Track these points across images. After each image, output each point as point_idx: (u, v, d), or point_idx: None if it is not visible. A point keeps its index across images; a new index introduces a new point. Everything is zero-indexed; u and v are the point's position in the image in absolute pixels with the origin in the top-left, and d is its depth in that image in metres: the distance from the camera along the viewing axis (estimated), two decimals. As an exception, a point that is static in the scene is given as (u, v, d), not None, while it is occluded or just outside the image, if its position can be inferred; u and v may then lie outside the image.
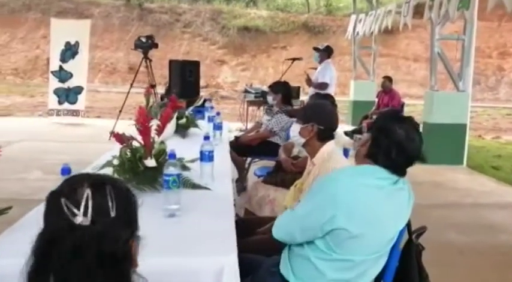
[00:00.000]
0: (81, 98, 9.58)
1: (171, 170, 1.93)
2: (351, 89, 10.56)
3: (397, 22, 7.77)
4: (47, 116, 9.66)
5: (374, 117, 8.11)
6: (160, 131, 2.49)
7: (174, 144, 3.16)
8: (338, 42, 16.77)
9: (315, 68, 7.12)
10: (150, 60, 7.96)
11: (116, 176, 2.39)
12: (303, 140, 2.49)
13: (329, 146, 2.44)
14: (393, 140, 1.69)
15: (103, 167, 2.46)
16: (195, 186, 2.36)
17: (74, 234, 0.96)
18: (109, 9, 19.07)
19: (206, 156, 2.45)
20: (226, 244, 1.71)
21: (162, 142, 2.44)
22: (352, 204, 1.62)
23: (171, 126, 2.49)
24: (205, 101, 4.97)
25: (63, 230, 0.96)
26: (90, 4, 19.09)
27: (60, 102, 9.52)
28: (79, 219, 0.96)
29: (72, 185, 1.02)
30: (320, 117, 2.44)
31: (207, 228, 1.89)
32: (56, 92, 9.54)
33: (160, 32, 18.37)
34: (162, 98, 5.92)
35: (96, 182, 1.02)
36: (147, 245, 1.68)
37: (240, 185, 4.79)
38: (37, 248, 0.99)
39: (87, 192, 0.98)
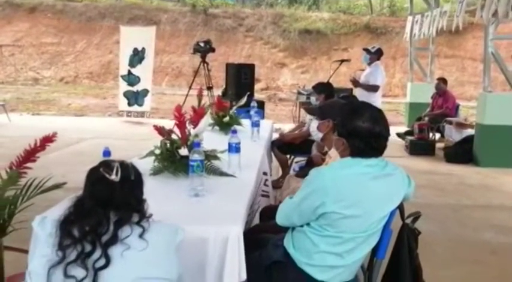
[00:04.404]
0: (147, 100, 10.30)
1: (195, 156, 2.26)
2: (408, 91, 10.53)
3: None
4: (116, 117, 10.47)
5: (426, 119, 8.08)
6: (195, 125, 2.85)
7: (215, 138, 3.53)
8: (401, 43, 16.57)
9: (363, 70, 7.22)
10: (207, 64, 8.43)
11: (156, 163, 2.77)
12: (321, 135, 2.74)
13: None
14: (366, 135, 1.89)
15: (146, 156, 2.85)
16: (222, 173, 2.69)
17: (109, 184, 1.50)
18: (176, 15, 19.96)
19: (233, 148, 2.77)
20: (232, 218, 2.02)
21: (196, 135, 2.79)
22: (339, 191, 1.86)
23: (204, 121, 2.83)
24: (251, 100, 5.27)
25: (101, 183, 1.51)
26: (158, 11, 20.09)
27: (130, 104, 10.30)
28: (113, 176, 1.50)
29: (106, 162, 1.58)
30: (335, 113, 2.68)
31: (221, 206, 2.21)
32: (126, 94, 10.33)
33: (223, 36, 19.01)
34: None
35: (121, 161, 1.58)
36: (172, 217, 2.03)
37: (282, 181, 5.06)
38: (78, 200, 1.54)
39: (117, 165, 1.54)
